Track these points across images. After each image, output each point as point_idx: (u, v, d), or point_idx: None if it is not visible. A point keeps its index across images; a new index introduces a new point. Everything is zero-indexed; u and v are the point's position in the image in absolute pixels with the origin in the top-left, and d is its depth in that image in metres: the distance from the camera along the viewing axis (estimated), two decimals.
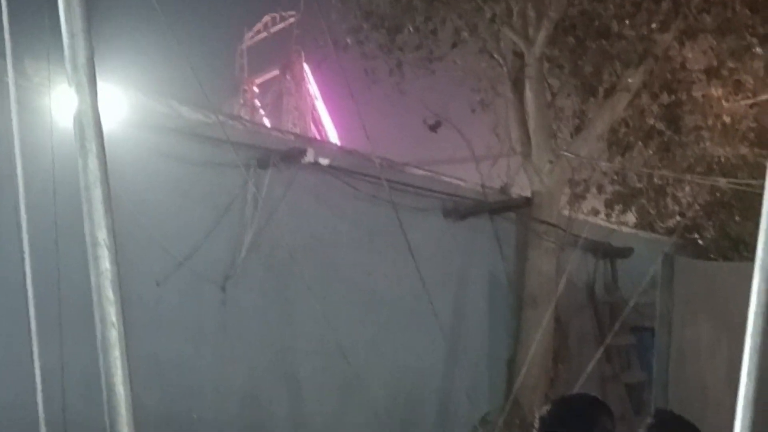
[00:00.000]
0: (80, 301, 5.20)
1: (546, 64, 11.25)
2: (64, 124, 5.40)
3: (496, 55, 11.50)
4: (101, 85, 3.95)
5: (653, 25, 10.55)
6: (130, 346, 4.31)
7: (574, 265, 9.92)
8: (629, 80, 10.74)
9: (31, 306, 4.23)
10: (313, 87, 33.14)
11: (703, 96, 11.74)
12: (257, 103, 32.76)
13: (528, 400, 10.23)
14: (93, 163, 3.82)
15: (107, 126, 4.19)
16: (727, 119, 11.93)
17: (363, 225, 9.40)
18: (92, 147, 3.83)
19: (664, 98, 11.65)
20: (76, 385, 5.96)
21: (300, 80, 32.87)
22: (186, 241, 7.76)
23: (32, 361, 4.92)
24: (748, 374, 6.07)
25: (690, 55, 11.15)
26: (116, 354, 3.81)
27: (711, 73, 11.24)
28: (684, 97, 11.76)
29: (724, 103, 11.72)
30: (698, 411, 4.44)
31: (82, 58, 3.82)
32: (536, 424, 2.98)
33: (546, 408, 3.02)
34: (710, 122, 12.04)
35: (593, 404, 3.02)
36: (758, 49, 10.73)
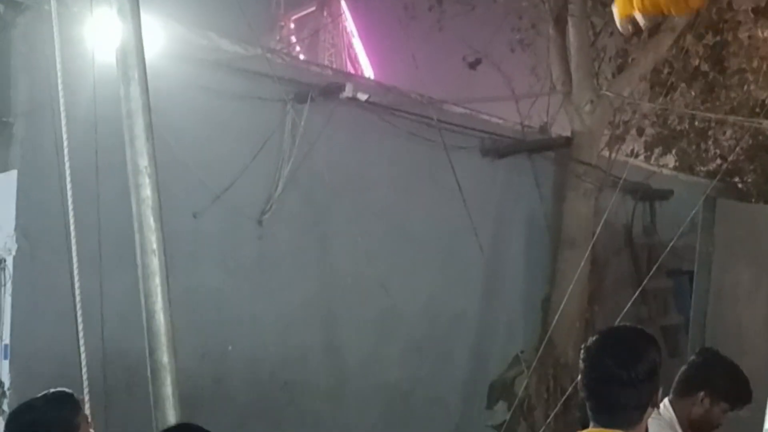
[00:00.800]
0: (120, 232, 5.22)
1: (589, 2, 11.05)
2: (104, 55, 5.38)
3: None
4: (141, 16, 3.92)
5: None
6: (167, 277, 4.33)
7: (612, 207, 9.81)
8: (675, 19, 10.52)
9: (72, 234, 4.24)
10: (350, 24, 32.95)
11: (749, 37, 11.52)
12: (293, 39, 32.63)
13: (562, 340, 10.21)
14: (135, 90, 3.80)
15: (146, 57, 4.16)
16: None
17: (401, 162, 9.34)
18: (134, 75, 3.81)
19: (709, 39, 11.46)
20: (114, 313, 6.00)
21: (337, 17, 32.67)
22: (223, 175, 7.74)
23: (72, 290, 4.95)
24: None
25: None
26: (157, 281, 3.83)
27: (758, 13, 11.00)
28: (729, 38, 11.56)
29: None
30: (735, 354, 4.38)
31: None
32: (582, 355, 2.91)
33: (592, 338, 2.95)
34: (755, 64, 11.83)
35: (641, 336, 2.96)
36: None
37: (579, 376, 2.94)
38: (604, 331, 3.07)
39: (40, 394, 3.72)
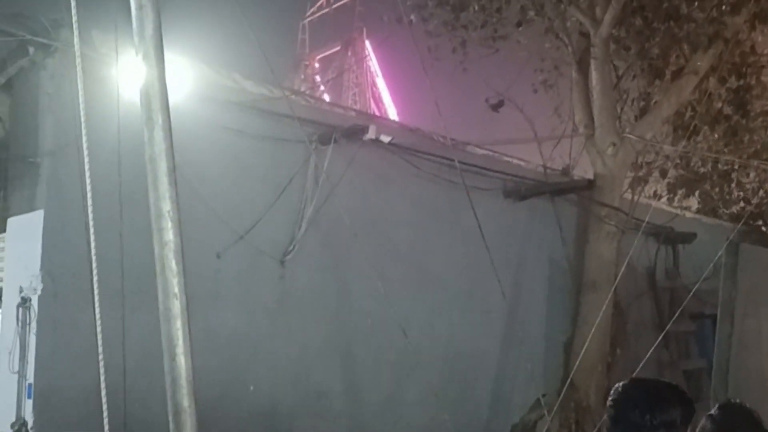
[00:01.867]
0: (142, 272, 5.25)
1: (612, 45, 11.09)
2: (129, 96, 5.44)
3: (561, 35, 11.36)
4: (167, 56, 3.96)
5: (724, 8, 10.35)
6: (189, 318, 4.34)
7: (635, 250, 9.78)
8: (698, 63, 10.55)
9: (95, 275, 4.26)
10: (374, 64, 33.15)
11: None
12: (318, 78, 32.84)
13: (584, 383, 10.16)
14: (159, 135, 3.84)
15: (172, 98, 4.21)
16: None
17: (422, 204, 9.36)
18: (158, 119, 3.84)
19: (732, 82, 11.47)
20: (136, 352, 6.03)
21: (361, 56, 32.89)
22: (246, 215, 7.79)
23: (94, 329, 4.98)
24: None
25: (760, 39, 10.93)
26: (178, 325, 3.84)
27: None
28: (753, 81, 11.56)
29: None
30: (758, 401, 4.35)
31: (149, 30, 3.84)
32: (609, 403, 2.94)
33: (619, 387, 2.98)
34: None
35: (669, 388, 2.98)
36: None
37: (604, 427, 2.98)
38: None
39: None
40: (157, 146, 3.62)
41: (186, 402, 3.73)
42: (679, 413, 2.90)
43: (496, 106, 11.89)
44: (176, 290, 3.62)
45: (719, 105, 11.78)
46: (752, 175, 13.67)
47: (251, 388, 7.88)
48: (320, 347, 8.47)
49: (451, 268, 9.61)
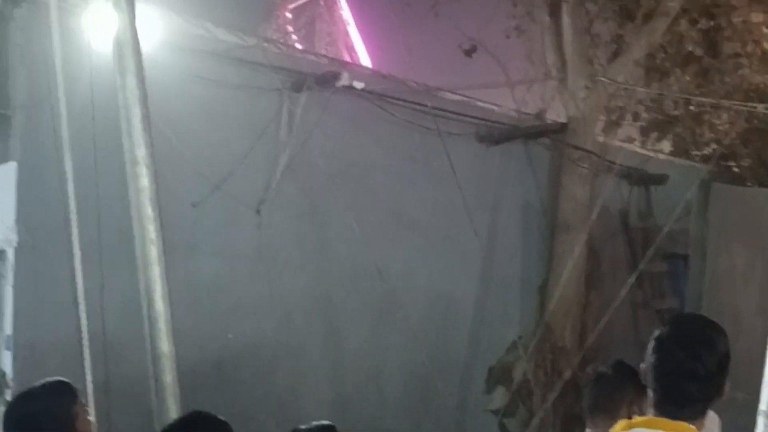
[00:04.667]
0: (119, 221, 5.28)
1: None
2: (101, 45, 5.43)
3: None
4: (137, 5, 3.97)
5: None
6: (167, 267, 4.39)
7: (608, 192, 9.87)
8: (669, 4, 10.56)
9: (73, 224, 4.30)
10: (345, 12, 32.89)
11: (743, 22, 11.56)
12: (290, 28, 32.59)
13: (559, 324, 10.29)
14: (132, 81, 3.86)
15: (143, 48, 4.22)
16: (766, 45, 11.75)
17: (397, 149, 9.39)
18: (131, 65, 3.86)
19: (704, 23, 11.49)
20: (115, 303, 6.07)
21: (332, 5, 32.62)
22: (221, 165, 7.79)
23: (73, 280, 5.02)
24: None
25: None
26: (156, 271, 3.89)
27: None
28: (723, 22, 11.59)
29: (764, 29, 11.54)
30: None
31: None
32: (652, 345, 2.84)
33: (664, 329, 2.85)
34: (749, 49, 11.87)
35: (712, 327, 2.87)
36: None
37: (645, 366, 2.85)
38: (674, 321, 2.96)
39: (38, 383, 3.76)
40: (130, 93, 3.64)
41: (165, 347, 3.79)
42: (724, 352, 2.81)
43: (469, 52, 11.89)
44: (153, 236, 3.66)
45: (690, 47, 11.83)
46: (724, 116, 13.75)
47: (230, 336, 7.95)
48: (299, 294, 8.54)
49: (426, 212, 9.67)
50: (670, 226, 9.16)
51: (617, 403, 3.81)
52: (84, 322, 4.53)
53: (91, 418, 3.90)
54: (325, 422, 3.97)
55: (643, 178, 12.37)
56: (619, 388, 3.83)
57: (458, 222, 9.53)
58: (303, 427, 3.93)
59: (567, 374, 9.89)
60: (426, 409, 9.61)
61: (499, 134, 10.49)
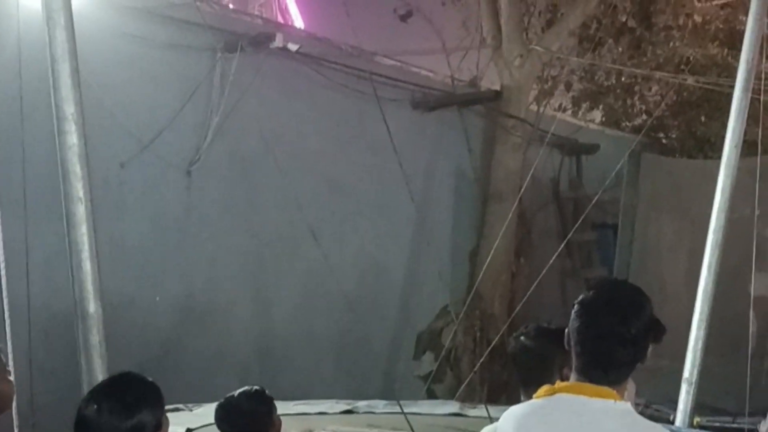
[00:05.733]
0: (46, 178, 5.14)
1: None
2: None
3: None
4: None
5: None
6: (94, 227, 4.29)
7: (539, 161, 9.92)
8: None
9: None
10: None
11: None
12: None
13: (489, 291, 10.37)
14: (61, 35, 3.73)
15: (74, 3, 4.09)
16: (698, 19, 11.89)
17: (331, 113, 9.32)
18: (60, 19, 3.73)
19: None
20: (39, 264, 5.94)
21: None
22: (151, 124, 7.67)
23: None
24: (709, 268, 6.15)
25: None
26: (83, 230, 3.79)
27: None
28: None
29: (696, 2, 11.66)
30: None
31: None
32: (576, 310, 2.81)
33: (588, 294, 2.83)
34: (681, 21, 12.00)
35: (638, 292, 2.86)
36: None
37: (569, 331, 2.83)
38: (600, 286, 2.93)
39: None
40: (59, 47, 3.53)
41: (92, 307, 3.71)
42: (650, 316, 2.80)
43: (405, 17, 11.84)
44: (80, 194, 3.57)
45: (624, 18, 11.92)
46: (654, 88, 13.91)
47: (157, 298, 7.86)
48: (229, 258, 8.46)
49: (360, 178, 9.64)
50: (599, 195, 9.24)
51: (547, 371, 3.80)
52: (4, 280, 4.41)
53: (11, 378, 3.81)
54: (255, 387, 3.94)
55: (574, 148, 12.49)
56: (545, 357, 3.83)
57: (392, 188, 9.51)
58: (234, 393, 3.90)
59: (495, 341, 9.97)
60: (355, 373, 9.63)
61: (434, 101, 10.49)
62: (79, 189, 3.58)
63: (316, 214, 9.01)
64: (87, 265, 3.62)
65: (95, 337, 3.79)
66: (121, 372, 3.13)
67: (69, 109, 3.53)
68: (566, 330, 2.81)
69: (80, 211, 3.61)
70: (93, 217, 3.81)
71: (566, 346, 2.82)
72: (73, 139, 3.55)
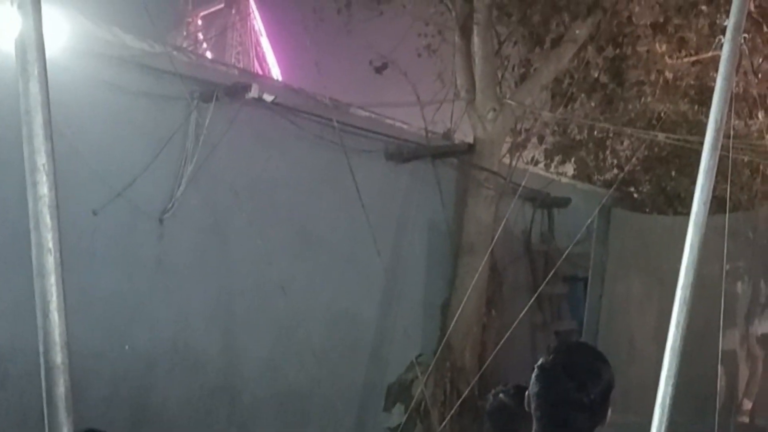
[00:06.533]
0: (16, 227, 5.13)
1: (494, 12, 11.23)
2: (4, 47, 5.28)
3: (445, 0, 11.45)
4: (44, 7, 3.86)
5: None
6: (64, 275, 4.26)
7: (512, 214, 10.00)
8: (576, 32, 10.78)
9: None
10: (258, 23, 32.79)
11: (648, 51, 11.82)
12: (201, 36, 32.32)
13: (459, 344, 10.37)
14: (34, 86, 3.73)
15: (49, 51, 4.10)
16: (669, 75, 12.05)
17: (305, 164, 9.35)
18: (34, 70, 3.74)
19: (609, 52, 11.73)
20: (7, 313, 5.91)
21: (245, 15, 32.48)
22: (124, 172, 7.65)
23: None
24: (677, 325, 6.16)
25: (637, 10, 11.21)
26: (52, 281, 3.77)
27: (656, 28, 11.31)
28: (629, 51, 11.85)
29: (667, 59, 11.82)
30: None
31: None
32: (536, 373, 2.81)
33: (548, 357, 2.83)
34: (653, 78, 12.15)
35: (597, 356, 2.87)
36: (703, 7, 10.84)
37: (529, 394, 2.82)
38: (559, 350, 2.93)
39: None
40: (32, 98, 3.53)
41: (59, 359, 3.67)
42: (609, 382, 2.81)
43: (380, 69, 11.93)
44: (50, 245, 3.54)
45: (596, 74, 12.06)
46: (626, 142, 14.07)
47: (126, 347, 7.79)
48: (199, 308, 8.42)
49: (332, 229, 9.65)
50: (570, 249, 9.30)
51: (521, 430, 3.83)
52: None
53: None
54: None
55: (546, 201, 12.58)
56: (521, 417, 3.86)
57: (363, 240, 9.53)
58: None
59: (465, 393, 9.96)
60: (325, 426, 9.57)
61: (408, 152, 10.55)
62: (48, 240, 3.56)
63: (287, 267, 9.01)
64: (55, 316, 3.59)
65: (61, 389, 3.75)
66: (86, 427, 3.11)
67: (40, 160, 3.52)
68: (526, 392, 2.84)
69: (49, 261, 3.59)
70: (62, 268, 3.80)
71: (526, 408, 2.84)
72: (44, 189, 3.54)
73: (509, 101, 10.92)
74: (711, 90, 6.14)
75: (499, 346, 9.61)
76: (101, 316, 7.49)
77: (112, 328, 7.64)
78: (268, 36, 32.36)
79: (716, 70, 6.03)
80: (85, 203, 7.35)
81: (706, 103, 12.10)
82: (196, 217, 8.35)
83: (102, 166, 7.38)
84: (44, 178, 3.70)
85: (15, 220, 4.94)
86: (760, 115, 11.70)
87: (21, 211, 4.59)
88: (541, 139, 13.12)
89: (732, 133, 7.24)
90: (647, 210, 13.44)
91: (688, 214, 6.52)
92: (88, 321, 7.11)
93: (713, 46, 10.86)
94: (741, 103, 11.21)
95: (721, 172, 6.55)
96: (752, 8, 10.37)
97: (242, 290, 8.75)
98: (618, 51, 11.71)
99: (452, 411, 9.64)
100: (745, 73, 10.92)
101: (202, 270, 8.45)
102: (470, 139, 11.13)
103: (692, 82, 12.22)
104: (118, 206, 7.60)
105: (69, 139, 6.38)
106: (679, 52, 11.67)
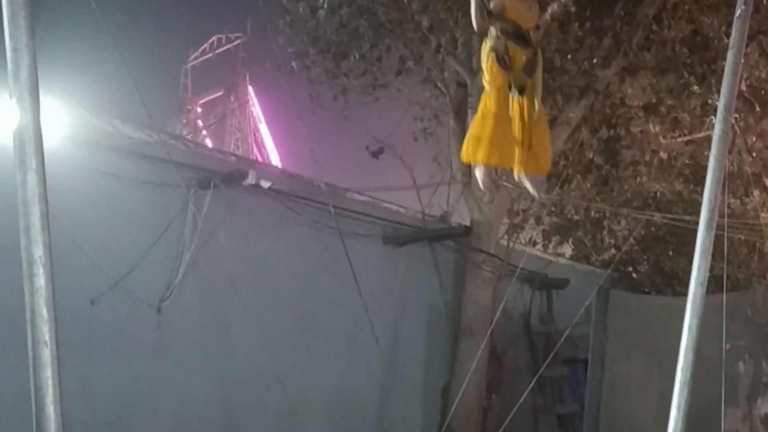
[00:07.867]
0: (11, 318, 5.12)
1: None
2: (2, 139, 5.33)
3: (439, 85, 11.59)
4: (43, 99, 3.92)
5: (595, 61, 10.73)
6: (61, 365, 4.26)
7: (510, 296, 9.98)
8: (570, 114, 10.88)
9: None
10: (256, 110, 33.13)
11: (641, 132, 11.94)
12: (200, 123, 32.64)
13: (461, 428, 10.25)
14: (32, 179, 3.78)
15: (47, 142, 4.16)
16: (663, 155, 12.15)
17: (302, 250, 9.37)
18: (32, 163, 3.79)
19: (604, 133, 11.83)
20: (3, 405, 5.86)
21: (244, 102, 32.83)
22: (122, 261, 7.66)
23: None
24: (678, 407, 6.13)
25: (630, 92, 11.35)
26: (48, 374, 3.76)
27: (649, 109, 11.44)
28: (623, 132, 11.96)
29: (661, 139, 11.94)
30: None
31: (24, 73, 3.79)
32: None
33: None
34: (647, 158, 12.25)
35: None
36: (695, 88, 10.97)
37: None
38: None
39: None
40: (30, 191, 3.57)
41: None
42: None
43: (376, 153, 12.03)
44: (47, 338, 3.55)
45: (591, 155, 12.16)
46: (623, 222, 14.11)
47: None
48: (199, 396, 8.35)
49: (331, 314, 9.63)
50: (569, 331, 9.27)
51: None
52: None
53: None
54: None
55: (544, 283, 12.57)
56: None
57: (362, 326, 9.50)
58: None
59: None
60: None
61: (405, 236, 10.59)
62: (45, 332, 3.57)
63: (287, 352, 8.98)
64: (50, 410, 3.58)
65: None
66: None
67: (37, 252, 3.55)
68: None
69: (46, 354, 3.59)
70: (59, 356, 3.80)
71: None
72: (40, 282, 3.56)
73: (505, 183, 10.97)
74: (706, 169, 6.19)
75: (501, 430, 9.53)
76: (100, 407, 7.43)
77: (112, 418, 7.57)
78: (267, 122, 32.67)
79: (710, 149, 6.09)
80: (82, 293, 7.35)
81: (701, 182, 12.15)
82: (194, 304, 8.34)
83: (100, 255, 7.40)
84: (41, 270, 3.72)
85: (11, 312, 4.93)
86: (756, 192, 11.77)
87: (17, 301, 4.60)
88: (538, 220, 13.16)
89: (727, 211, 7.30)
90: (646, 290, 13.42)
91: (686, 293, 6.53)
92: (87, 411, 7.05)
93: (705, 126, 10.98)
94: (736, 181, 11.30)
95: (718, 251, 6.57)
96: (744, 88, 10.51)
97: (241, 378, 8.69)
98: (612, 132, 11.82)
99: None
100: (740, 151, 11.02)
101: (202, 358, 8.40)
102: (467, 222, 11.17)
103: (687, 162, 12.31)
104: (116, 295, 7.59)
105: (67, 228, 6.41)
106: (673, 132, 11.79)
